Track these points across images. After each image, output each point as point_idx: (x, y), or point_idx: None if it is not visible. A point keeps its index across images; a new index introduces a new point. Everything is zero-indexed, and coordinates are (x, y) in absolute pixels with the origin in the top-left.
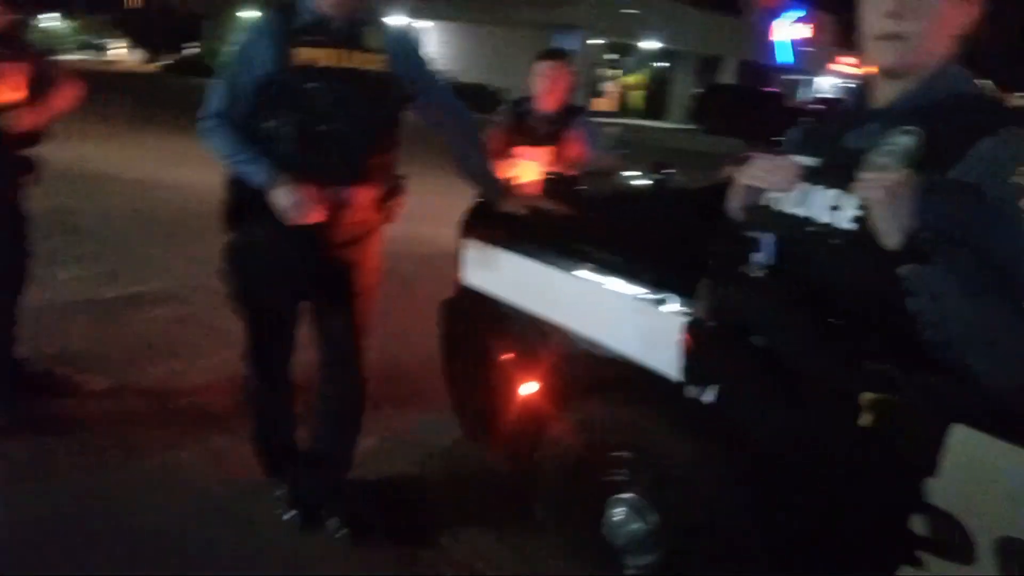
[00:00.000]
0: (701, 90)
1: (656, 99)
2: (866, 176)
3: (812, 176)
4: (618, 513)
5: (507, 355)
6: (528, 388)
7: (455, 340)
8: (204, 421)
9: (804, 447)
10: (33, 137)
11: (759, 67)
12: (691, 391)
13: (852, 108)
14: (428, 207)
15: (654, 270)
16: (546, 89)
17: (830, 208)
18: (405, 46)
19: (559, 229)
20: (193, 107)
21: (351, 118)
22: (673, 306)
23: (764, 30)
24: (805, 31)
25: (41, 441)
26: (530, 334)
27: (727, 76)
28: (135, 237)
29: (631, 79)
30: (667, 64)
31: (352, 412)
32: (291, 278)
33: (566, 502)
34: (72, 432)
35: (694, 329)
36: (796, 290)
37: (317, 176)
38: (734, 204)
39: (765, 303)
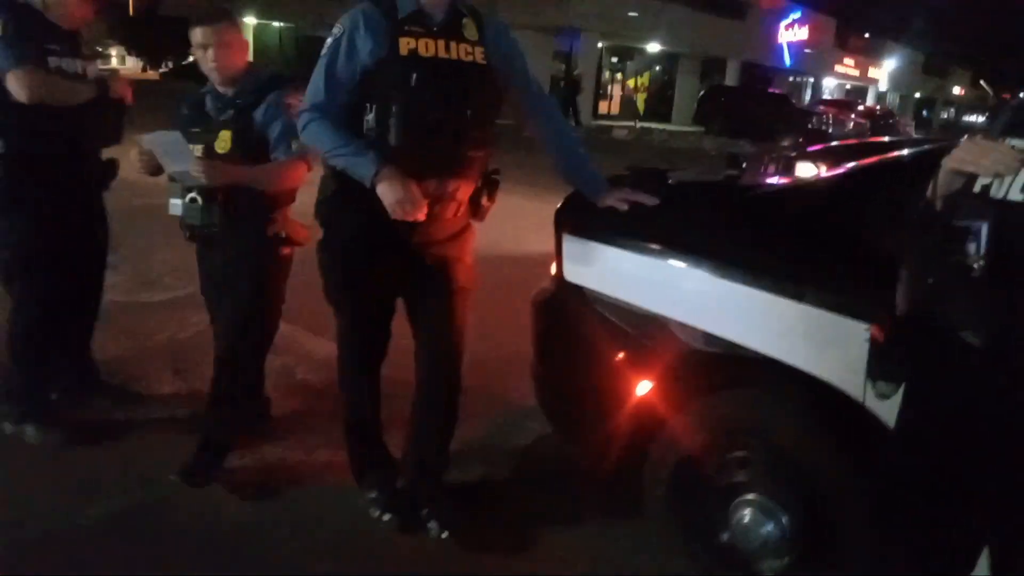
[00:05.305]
0: (704, 92)
1: (660, 101)
2: None
3: None
4: (746, 515)
5: (613, 352)
6: (638, 387)
7: (552, 338)
8: (264, 430)
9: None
10: (115, 134)
11: (762, 69)
12: (879, 388)
13: None
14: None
15: (786, 265)
16: (209, 65)
17: None
18: (503, 38)
19: (681, 223)
20: None
21: (453, 110)
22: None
23: (766, 32)
24: (803, 33)
25: (95, 451)
26: (643, 331)
27: (730, 78)
28: (160, 240)
29: (634, 82)
30: (669, 66)
31: (450, 411)
32: (388, 274)
33: (681, 502)
34: (133, 439)
35: (890, 323)
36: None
37: (420, 170)
38: (939, 191)
39: (987, 296)
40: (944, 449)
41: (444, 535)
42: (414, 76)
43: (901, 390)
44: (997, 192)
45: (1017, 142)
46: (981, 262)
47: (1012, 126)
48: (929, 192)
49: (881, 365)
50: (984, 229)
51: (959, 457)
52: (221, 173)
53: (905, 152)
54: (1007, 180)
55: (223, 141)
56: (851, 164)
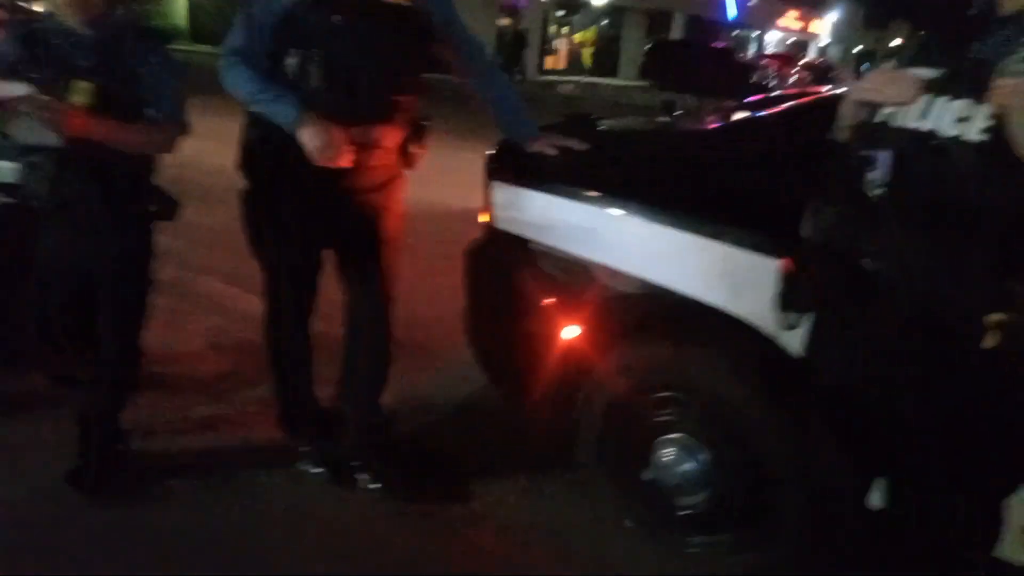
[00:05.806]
0: (651, 46)
1: (606, 56)
2: (1002, 83)
3: (935, 87)
4: (668, 453)
5: (544, 299)
6: (568, 332)
7: (483, 287)
8: (194, 390)
9: (914, 371)
10: None
11: (708, 23)
12: (787, 319)
13: (975, 17)
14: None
15: (705, 206)
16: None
17: (957, 120)
18: None
19: (606, 169)
20: None
21: (377, 54)
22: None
23: None
24: None
25: (28, 418)
26: (571, 276)
27: (676, 32)
28: None
29: (580, 36)
30: (616, 20)
31: (382, 362)
32: (315, 226)
33: (612, 445)
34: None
35: (798, 252)
36: (920, 207)
37: (343, 116)
38: (844, 121)
39: (885, 221)
40: (848, 377)
41: (375, 486)
42: (337, 18)
43: (808, 320)
44: (898, 120)
45: (920, 71)
46: (882, 189)
47: (917, 57)
48: (837, 121)
49: (788, 297)
50: (885, 157)
51: (863, 385)
52: (83, 127)
53: (816, 97)
54: (906, 108)
55: (82, 93)
56: (767, 109)
